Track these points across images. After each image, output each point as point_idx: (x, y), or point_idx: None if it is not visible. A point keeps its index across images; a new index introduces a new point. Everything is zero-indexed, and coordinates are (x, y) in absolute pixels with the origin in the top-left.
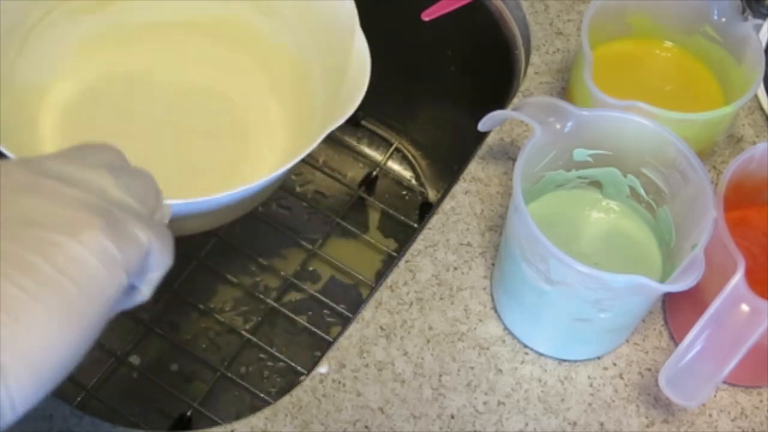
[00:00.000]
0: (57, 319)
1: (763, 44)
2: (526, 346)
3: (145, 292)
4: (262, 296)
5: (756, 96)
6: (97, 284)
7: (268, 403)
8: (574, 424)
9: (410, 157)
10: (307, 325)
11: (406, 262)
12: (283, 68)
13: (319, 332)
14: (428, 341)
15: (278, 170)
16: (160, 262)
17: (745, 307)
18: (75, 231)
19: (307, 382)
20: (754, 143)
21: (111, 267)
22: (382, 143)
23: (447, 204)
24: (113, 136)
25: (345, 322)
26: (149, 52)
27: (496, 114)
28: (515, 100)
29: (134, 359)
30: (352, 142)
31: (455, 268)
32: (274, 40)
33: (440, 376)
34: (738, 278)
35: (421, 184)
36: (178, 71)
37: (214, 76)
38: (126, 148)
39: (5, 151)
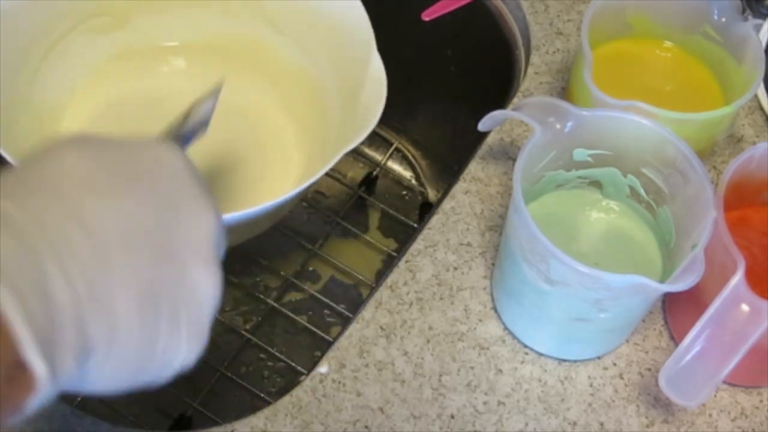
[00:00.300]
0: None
1: (763, 44)
2: (526, 346)
3: None
4: (262, 296)
5: (756, 96)
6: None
7: (268, 403)
8: (574, 424)
9: (410, 157)
10: (307, 325)
11: (406, 262)
12: (299, 88)
13: (319, 332)
14: (428, 341)
15: (295, 189)
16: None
17: (745, 307)
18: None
19: (307, 382)
20: (754, 143)
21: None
22: (382, 143)
23: (447, 204)
24: None
25: (345, 322)
26: (166, 72)
27: (496, 114)
28: (515, 100)
29: None
30: None
31: (455, 268)
32: (291, 60)
33: (440, 376)
34: (738, 278)
35: (421, 184)
36: (195, 92)
37: (231, 97)
38: None
39: None
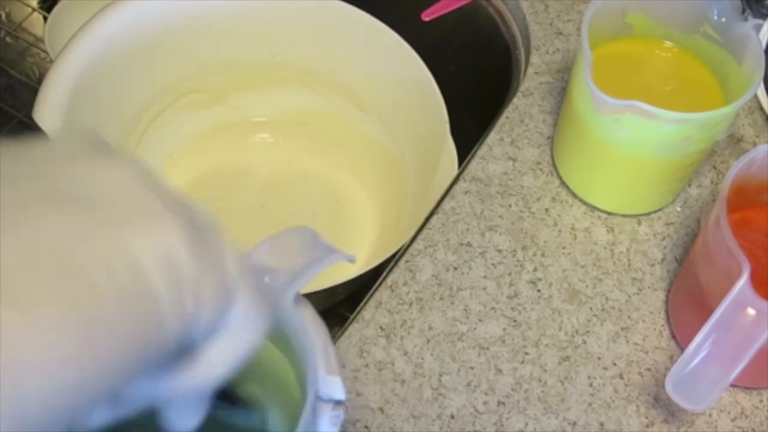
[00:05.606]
0: (68, 324)
1: (763, 44)
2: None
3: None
4: None
5: (756, 96)
6: (147, 302)
7: None
8: (574, 424)
9: None
10: None
11: (406, 262)
12: (378, 163)
13: None
14: (428, 341)
15: (365, 269)
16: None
17: (750, 311)
18: (140, 221)
19: None
20: (755, 143)
21: (176, 285)
22: None
23: (447, 204)
24: None
25: (345, 322)
26: (253, 144)
27: None
28: (515, 100)
29: None
30: None
31: (455, 268)
32: (372, 136)
33: (440, 376)
34: (743, 282)
35: None
36: (279, 165)
37: (314, 171)
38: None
39: None
